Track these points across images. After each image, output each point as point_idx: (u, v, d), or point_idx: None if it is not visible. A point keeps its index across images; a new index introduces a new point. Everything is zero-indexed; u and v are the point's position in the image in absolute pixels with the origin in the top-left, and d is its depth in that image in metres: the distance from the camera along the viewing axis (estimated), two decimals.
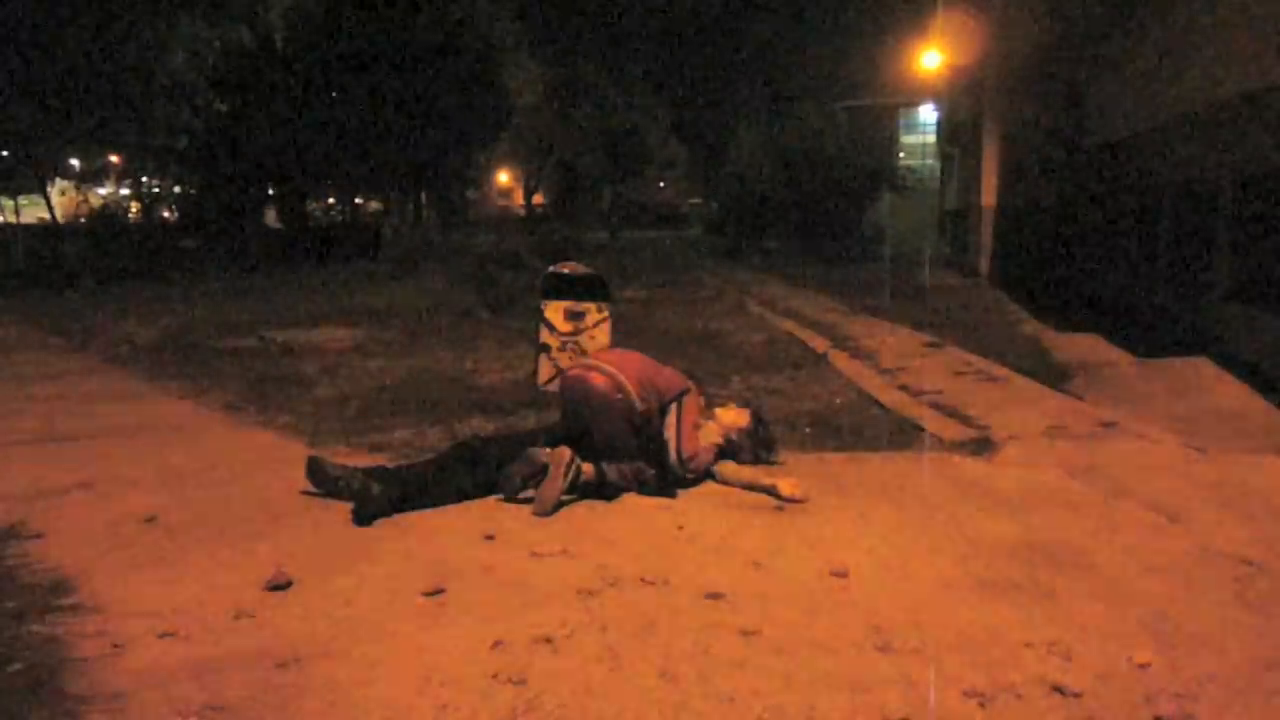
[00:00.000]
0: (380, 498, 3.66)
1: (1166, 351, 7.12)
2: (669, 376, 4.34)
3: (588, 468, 3.88)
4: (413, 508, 3.70)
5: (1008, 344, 8.05)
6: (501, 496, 3.84)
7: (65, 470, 4.43)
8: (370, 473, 3.83)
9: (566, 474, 3.79)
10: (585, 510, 3.78)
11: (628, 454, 4.04)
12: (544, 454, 3.86)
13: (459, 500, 3.82)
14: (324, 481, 3.85)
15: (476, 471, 3.91)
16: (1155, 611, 2.77)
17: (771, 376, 6.71)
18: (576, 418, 4.16)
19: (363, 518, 3.58)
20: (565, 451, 3.83)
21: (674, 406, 4.20)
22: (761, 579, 3.04)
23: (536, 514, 3.70)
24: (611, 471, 3.94)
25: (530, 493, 3.82)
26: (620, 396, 4.06)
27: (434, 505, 3.75)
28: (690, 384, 4.36)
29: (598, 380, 4.09)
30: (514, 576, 3.07)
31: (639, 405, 4.08)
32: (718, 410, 4.51)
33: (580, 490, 3.87)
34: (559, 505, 3.76)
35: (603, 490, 3.91)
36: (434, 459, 4.08)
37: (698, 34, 38.14)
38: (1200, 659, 2.48)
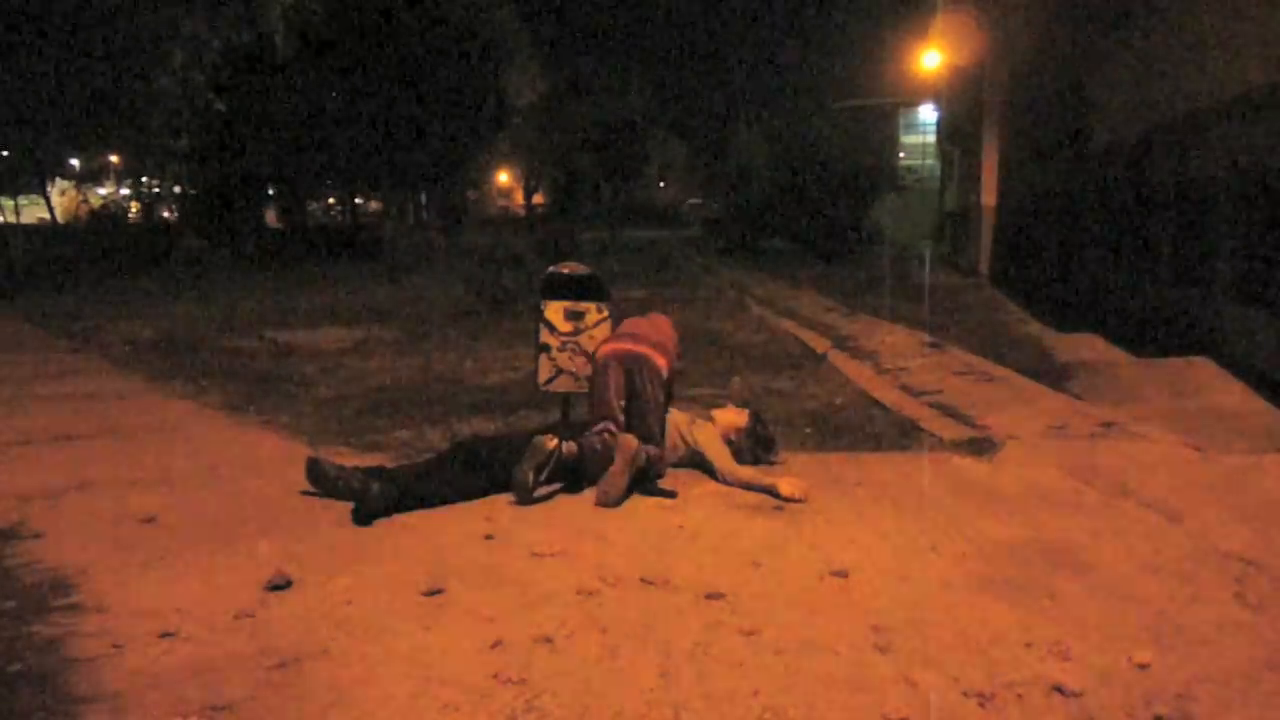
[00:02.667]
0: (380, 497, 3.66)
1: (1166, 351, 7.12)
2: (665, 330, 4.53)
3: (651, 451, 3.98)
4: (412, 507, 3.70)
5: (1008, 344, 8.05)
6: (514, 499, 3.81)
7: (65, 470, 4.43)
8: (370, 473, 3.83)
9: (634, 462, 3.83)
10: (585, 510, 3.78)
11: (655, 437, 4.12)
12: (550, 441, 3.86)
13: (459, 500, 3.82)
14: (323, 482, 3.85)
15: (477, 471, 3.91)
16: (1155, 611, 2.77)
17: (771, 376, 6.71)
18: (630, 391, 4.19)
19: (363, 517, 3.58)
20: (632, 440, 3.87)
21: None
22: (761, 579, 3.04)
23: (601, 504, 3.75)
24: (654, 454, 4.02)
25: (543, 491, 3.84)
26: (665, 376, 4.24)
27: (434, 505, 3.75)
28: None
29: (653, 357, 4.22)
30: (514, 576, 3.07)
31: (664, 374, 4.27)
32: (716, 411, 4.51)
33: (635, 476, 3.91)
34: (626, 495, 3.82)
35: (648, 474, 3.97)
36: (434, 459, 4.09)
37: (698, 34, 38.12)
38: (1200, 659, 2.48)
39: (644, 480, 3.95)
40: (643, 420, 4.11)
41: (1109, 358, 7.31)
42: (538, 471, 3.80)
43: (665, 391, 4.27)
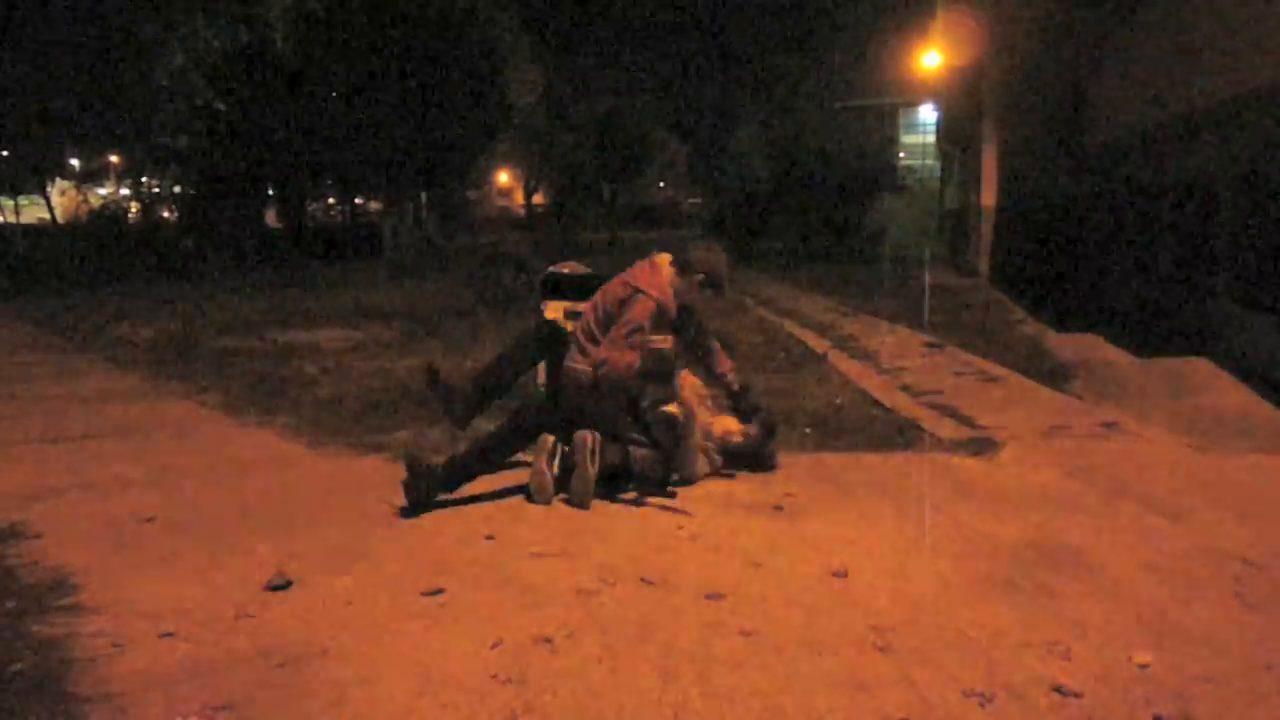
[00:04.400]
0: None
1: (1166, 351, 7.12)
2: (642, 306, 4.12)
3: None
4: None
5: (1008, 344, 8.04)
6: (572, 503, 3.82)
7: (65, 470, 4.43)
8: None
9: (594, 460, 3.81)
10: (585, 510, 3.78)
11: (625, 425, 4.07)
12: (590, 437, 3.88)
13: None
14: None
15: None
16: (1155, 611, 2.77)
17: (771, 376, 6.70)
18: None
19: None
20: (587, 435, 3.85)
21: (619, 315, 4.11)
22: (761, 579, 3.04)
23: (537, 498, 3.80)
24: (641, 456, 4.00)
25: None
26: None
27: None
28: (641, 288, 4.08)
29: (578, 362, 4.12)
30: (514, 576, 3.07)
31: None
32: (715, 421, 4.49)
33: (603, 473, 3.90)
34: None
35: (624, 468, 3.96)
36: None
37: (698, 33, 38.16)
38: (1200, 659, 2.48)
39: (617, 478, 3.95)
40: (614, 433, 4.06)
41: (1109, 358, 7.30)
42: (591, 461, 3.80)
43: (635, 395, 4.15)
